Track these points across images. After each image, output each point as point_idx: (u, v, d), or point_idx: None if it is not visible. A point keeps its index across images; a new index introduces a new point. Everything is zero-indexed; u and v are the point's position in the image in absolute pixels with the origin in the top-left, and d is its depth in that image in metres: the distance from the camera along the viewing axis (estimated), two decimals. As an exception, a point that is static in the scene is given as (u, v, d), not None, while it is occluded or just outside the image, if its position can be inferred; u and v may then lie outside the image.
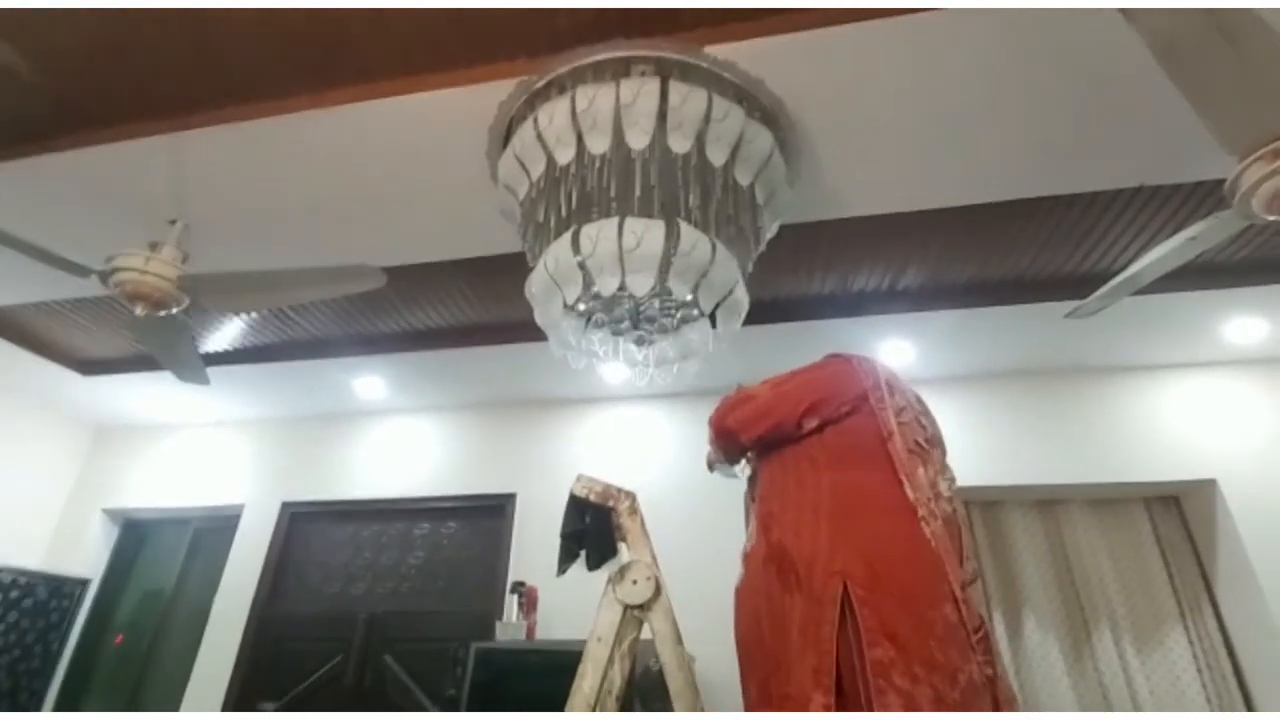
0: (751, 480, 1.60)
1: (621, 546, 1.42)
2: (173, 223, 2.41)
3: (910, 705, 0.95)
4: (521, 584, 3.08)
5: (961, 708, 0.97)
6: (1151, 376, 3.38)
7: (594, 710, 1.20)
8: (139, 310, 2.31)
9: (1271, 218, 1.82)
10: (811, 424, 1.30)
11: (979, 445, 3.39)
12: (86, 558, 4.18)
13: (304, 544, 3.97)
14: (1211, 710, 2.94)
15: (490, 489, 3.78)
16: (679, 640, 1.26)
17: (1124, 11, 1.44)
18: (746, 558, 1.30)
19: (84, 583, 4.04)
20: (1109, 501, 3.42)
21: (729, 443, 1.43)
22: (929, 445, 1.31)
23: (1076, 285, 2.66)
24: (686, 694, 1.17)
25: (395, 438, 4.10)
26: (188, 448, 4.37)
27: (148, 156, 2.23)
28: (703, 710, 1.22)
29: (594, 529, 1.45)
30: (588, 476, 1.44)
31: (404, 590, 3.74)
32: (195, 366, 2.85)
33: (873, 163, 2.17)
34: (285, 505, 4.03)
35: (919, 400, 1.45)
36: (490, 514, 3.75)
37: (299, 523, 4.01)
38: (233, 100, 2.10)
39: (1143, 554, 3.32)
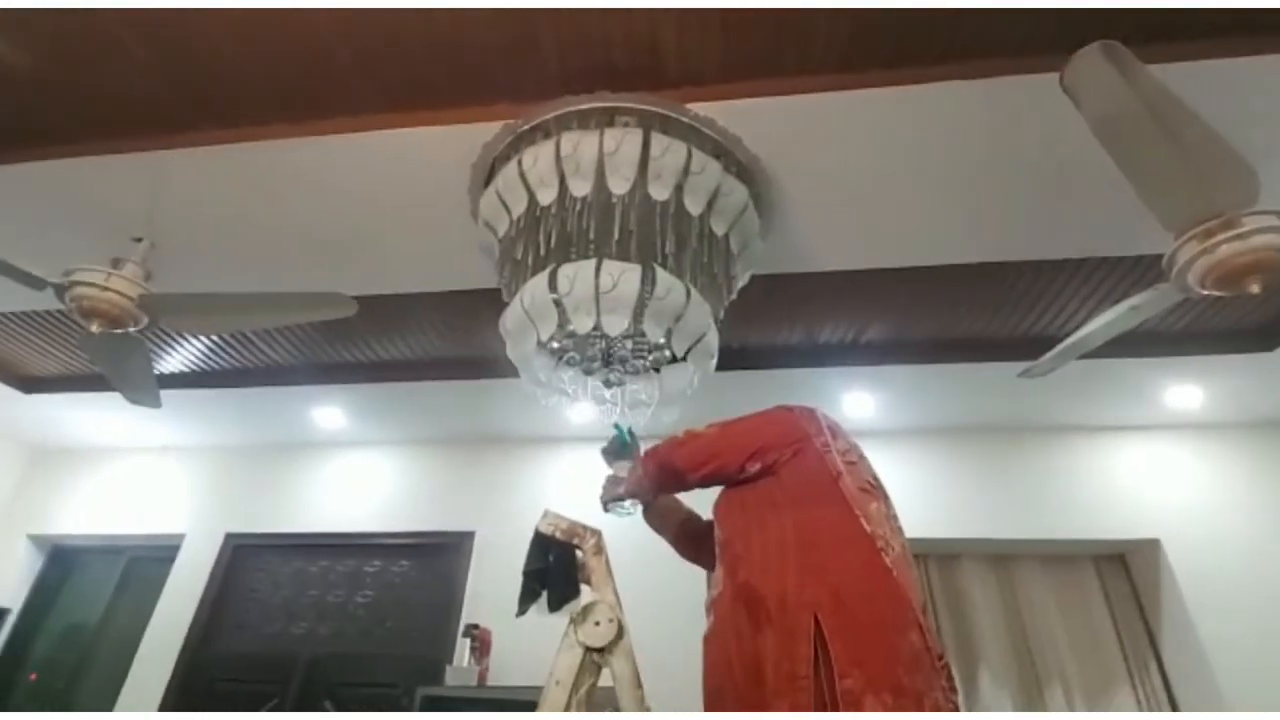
0: (695, 535, 1.61)
1: (585, 588, 1.40)
2: (138, 240, 2.37)
3: None
4: (475, 626, 2.98)
5: None
6: (1100, 437, 3.52)
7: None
8: (94, 327, 2.24)
9: (1204, 292, 1.96)
10: (754, 468, 1.33)
11: (936, 498, 3.46)
12: (6, 586, 3.90)
13: (246, 578, 3.78)
14: (1157, 771, 2.98)
15: (448, 526, 3.69)
16: (639, 684, 1.24)
17: (1069, 94, 1.56)
18: (714, 604, 1.29)
19: (2, 612, 3.77)
20: (1060, 558, 3.51)
21: (672, 479, 1.45)
22: (877, 484, 1.36)
23: (1030, 347, 2.78)
24: (644, 742, 1.15)
25: (352, 470, 3.99)
26: (130, 473, 4.17)
27: (120, 173, 2.21)
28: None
29: (557, 568, 1.43)
30: (554, 513, 1.42)
31: (349, 631, 3.57)
32: (148, 388, 2.75)
33: (840, 222, 2.27)
34: (230, 536, 3.85)
35: (860, 450, 1.50)
36: (447, 552, 3.64)
37: (242, 555, 3.83)
38: (214, 124, 2.10)
39: (1092, 612, 3.40)
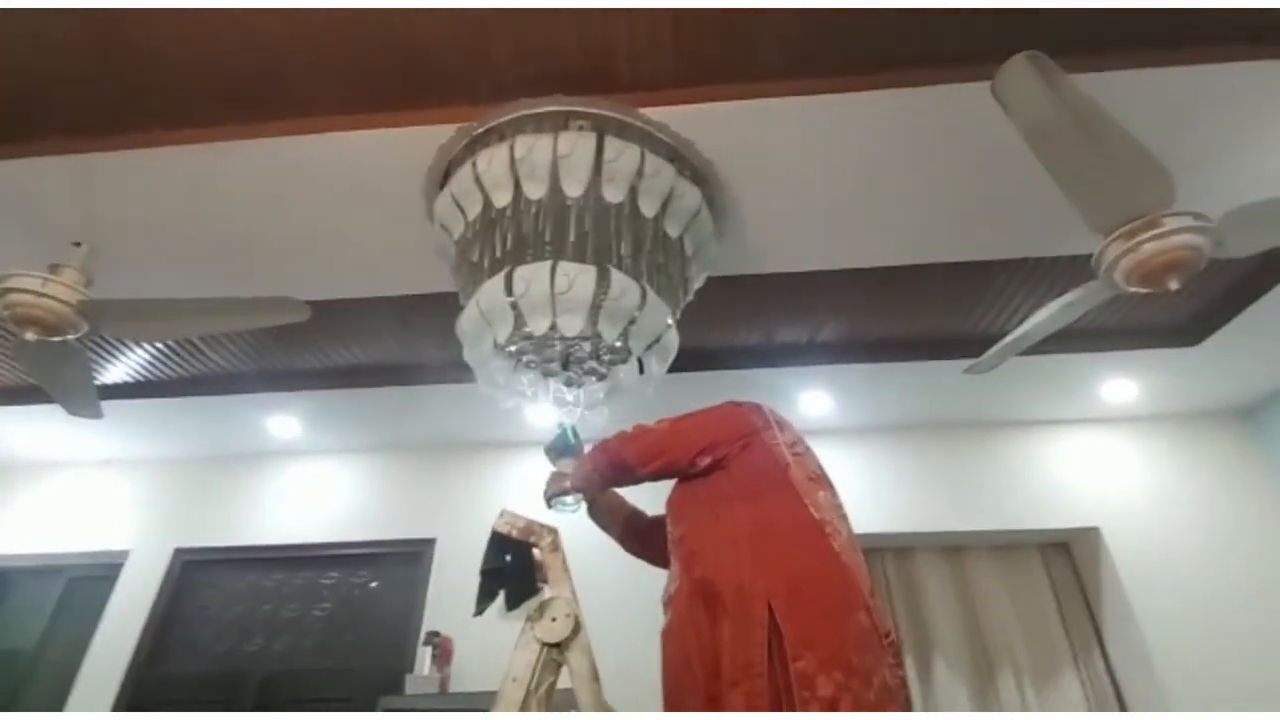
0: (641, 531, 1.65)
1: (544, 586, 1.41)
2: (77, 245, 2.29)
3: (833, 709, 1.00)
4: (436, 634, 2.94)
5: (876, 708, 1.02)
6: (1043, 430, 3.67)
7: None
8: (30, 335, 2.15)
9: (1130, 289, 2.07)
10: (705, 462, 1.37)
11: (891, 494, 3.56)
12: (-68, 611, 3.69)
13: (196, 595, 3.65)
14: (1101, 749, 3.11)
15: (409, 534, 3.63)
16: (596, 678, 1.25)
17: (1000, 101, 1.65)
18: (671, 600, 1.31)
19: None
20: (1008, 548, 3.64)
21: (622, 473, 1.47)
22: (822, 473, 1.40)
23: (976, 344, 2.88)
24: (602, 735, 1.16)
25: (308, 480, 3.89)
26: (70, 489, 3.98)
27: (56, 176, 2.13)
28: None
29: (515, 567, 1.43)
30: (511, 512, 1.43)
31: (305, 646, 3.48)
32: (88, 399, 2.65)
33: (792, 225, 2.33)
34: (179, 552, 3.71)
35: (806, 442, 1.54)
36: (407, 561, 3.58)
37: (192, 571, 3.69)
38: (158, 124, 2.05)
39: (1039, 598, 3.53)
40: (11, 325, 2.13)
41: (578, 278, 1.70)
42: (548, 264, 1.73)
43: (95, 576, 3.74)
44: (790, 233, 2.37)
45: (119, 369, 3.27)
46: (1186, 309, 2.96)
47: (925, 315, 2.92)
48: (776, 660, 1.07)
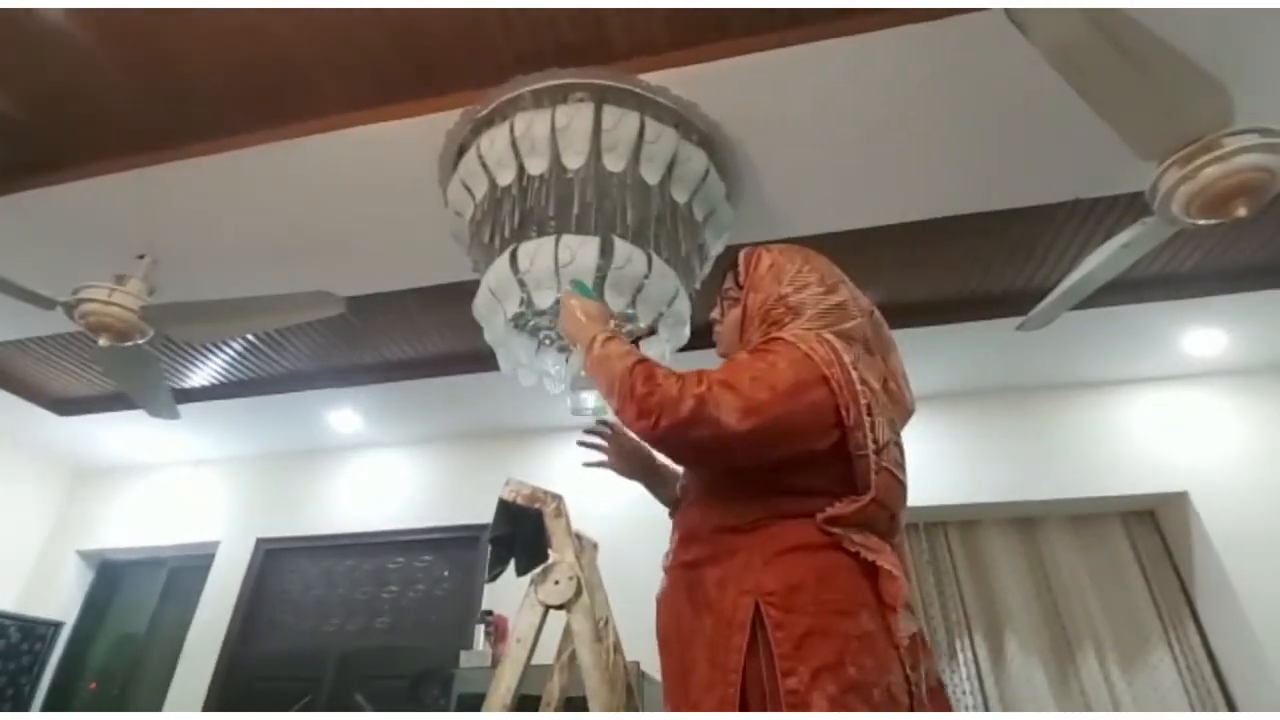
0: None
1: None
2: (141, 257, 2.49)
3: None
4: (489, 613, 3.05)
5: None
6: (1120, 390, 3.39)
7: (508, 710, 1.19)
8: (103, 341, 2.37)
9: (1192, 221, 1.87)
10: None
11: (952, 464, 3.39)
12: (61, 601, 4.13)
13: (278, 581, 3.93)
14: (1198, 730, 2.87)
15: (466, 520, 3.76)
16: (598, 639, 1.26)
17: (1016, 24, 1.52)
18: (667, 569, 1.21)
19: (56, 626, 3.99)
20: (1086, 518, 3.40)
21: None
22: None
23: (1028, 301, 2.70)
24: (601, 693, 1.16)
25: (370, 471, 4.10)
26: (165, 486, 4.36)
27: (115, 193, 2.32)
28: (623, 709, 1.21)
29: (525, 533, 1.46)
30: (516, 480, 1.45)
31: (377, 625, 3.68)
32: (164, 400, 2.89)
33: (811, 182, 2.24)
34: (260, 541, 4.00)
35: None
36: (465, 545, 3.72)
37: (273, 559, 3.98)
38: (195, 137, 2.19)
39: (1123, 571, 3.28)
40: (88, 332, 2.35)
41: (580, 249, 1.70)
42: (551, 238, 1.74)
43: (192, 566, 4.08)
44: (811, 192, 2.29)
45: (202, 373, 3.54)
46: (1276, 243, 2.65)
47: (968, 272, 2.75)
48: (763, 665, 0.90)
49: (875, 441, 0.98)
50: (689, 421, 0.93)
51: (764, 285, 1.16)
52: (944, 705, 1.03)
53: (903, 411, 1.14)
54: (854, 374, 0.99)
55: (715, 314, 1.27)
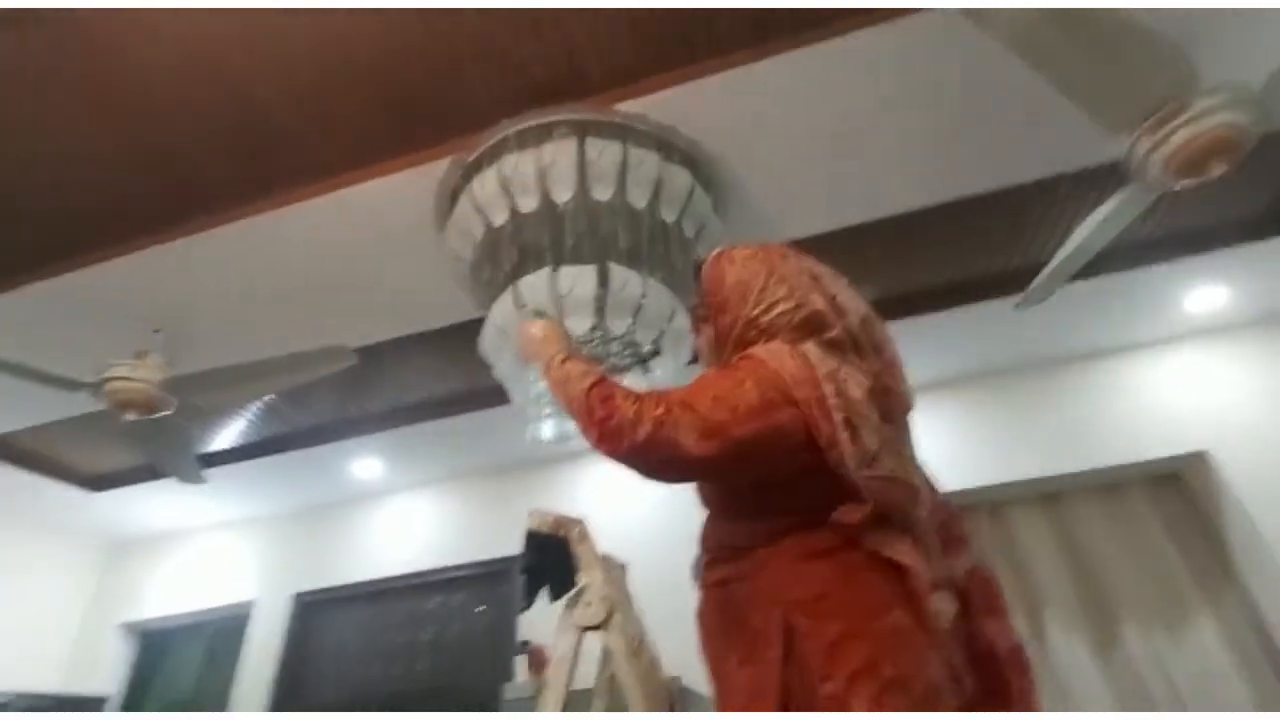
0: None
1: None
2: (157, 332, 2.58)
3: None
4: (526, 643, 3.07)
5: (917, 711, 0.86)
6: (1127, 356, 3.39)
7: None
8: (130, 416, 2.45)
9: (1174, 185, 1.91)
10: None
11: (973, 448, 3.39)
12: (105, 675, 4.19)
13: (317, 634, 3.97)
14: (1251, 690, 2.83)
15: (495, 554, 3.80)
16: (635, 654, 1.29)
17: (973, 20, 1.57)
18: (700, 588, 1.13)
19: (100, 700, 4.04)
20: (1111, 489, 3.38)
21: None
22: None
23: (1031, 278, 2.73)
24: (641, 708, 1.19)
25: (397, 515, 4.15)
26: (198, 551, 4.44)
27: (126, 274, 2.41)
28: (665, 724, 1.24)
29: (555, 560, 1.49)
30: (540, 510, 1.49)
31: (418, 669, 3.71)
32: (190, 467, 2.96)
33: (795, 186, 2.30)
34: (297, 596, 4.05)
35: None
36: (497, 579, 3.75)
37: (310, 612, 4.02)
38: (203, 212, 2.28)
39: (1153, 538, 3.25)
40: (114, 409, 2.43)
41: (578, 278, 1.76)
42: (549, 270, 1.80)
43: (231, 627, 4.14)
44: (796, 196, 2.34)
45: (225, 436, 3.62)
46: (1267, 192, 2.67)
47: (962, 257, 2.79)
48: (801, 675, 0.90)
49: (862, 453, 0.94)
50: (646, 446, 0.93)
51: (731, 306, 1.12)
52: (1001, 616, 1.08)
53: (900, 407, 1.12)
54: (829, 388, 0.96)
55: (692, 332, 1.28)
